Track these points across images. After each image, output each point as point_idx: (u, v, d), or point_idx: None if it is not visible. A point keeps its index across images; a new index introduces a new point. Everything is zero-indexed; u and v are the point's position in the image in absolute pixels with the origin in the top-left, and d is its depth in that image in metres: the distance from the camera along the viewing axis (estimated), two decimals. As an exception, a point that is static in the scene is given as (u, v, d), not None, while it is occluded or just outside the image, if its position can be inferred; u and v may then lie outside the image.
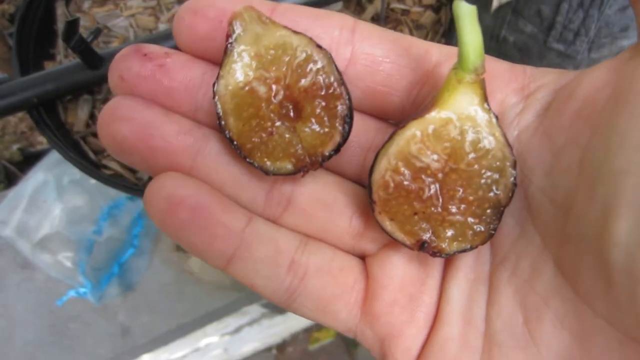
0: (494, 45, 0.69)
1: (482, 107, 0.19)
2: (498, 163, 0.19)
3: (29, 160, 1.13)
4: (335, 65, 0.19)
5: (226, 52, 0.19)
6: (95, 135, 0.45)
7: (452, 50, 0.21)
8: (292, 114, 0.20)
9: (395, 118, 0.22)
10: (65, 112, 0.46)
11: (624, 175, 0.15)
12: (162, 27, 0.48)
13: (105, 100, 0.46)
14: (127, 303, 0.78)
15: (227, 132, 0.19)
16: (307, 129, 0.20)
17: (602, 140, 0.16)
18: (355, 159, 0.22)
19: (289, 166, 0.20)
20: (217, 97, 0.19)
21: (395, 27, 0.44)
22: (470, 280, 0.20)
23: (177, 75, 0.20)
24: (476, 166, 0.19)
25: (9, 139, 1.13)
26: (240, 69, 0.19)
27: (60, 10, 0.50)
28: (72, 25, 0.36)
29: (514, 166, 0.19)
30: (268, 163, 0.20)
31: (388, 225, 0.20)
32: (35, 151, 1.13)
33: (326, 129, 0.20)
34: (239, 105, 0.19)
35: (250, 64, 0.19)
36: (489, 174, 0.19)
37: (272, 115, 0.20)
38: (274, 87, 0.19)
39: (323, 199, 0.21)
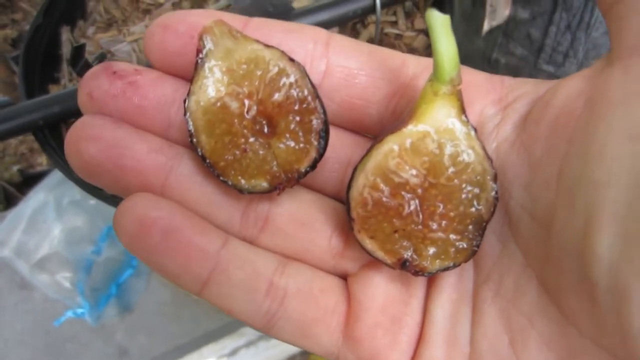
0: (486, 68, 0.71)
1: (459, 119, 0.19)
2: (478, 177, 0.19)
3: (28, 181, 1.13)
4: (309, 79, 0.19)
5: (197, 67, 0.19)
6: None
7: (429, 61, 0.20)
8: (266, 129, 0.19)
9: (373, 132, 0.22)
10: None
11: (603, 188, 0.15)
12: (164, 51, 0.49)
13: (107, 122, 0.47)
14: (124, 324, 0.78)
15: (199, 149, 0.19)
16: (281, 145, 0.19)
17: (579, 151, 0.16)
18: (333, 174, 0.21)
19: (264, 184, 0.19)
20: (188, 114, 0.19)
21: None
22: (454, 300, 0.20)
23: (148, 92, 0.20)
24: (456, 181, 0.19)
25: (9, 160, 1.14)
26: (212, 85, 0.19)
27: (65, 36, 0.52)
28: (79, 50, 0.37)
29: (495, 179, 0.19)
30: (242, 181, 0.19)
31: (368, 243, 0.19)
32: (34, 172, 1.14)
33: (301, 145, 0.19)
34: (211, 121, 0.19)
35: (222, 79, 0.19)
36: (469, 188, 0.19)
37: (245, 131, 0.19)
38: (246, 102, 0.19)
39: (301, 218, 0.21)
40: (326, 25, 0.41)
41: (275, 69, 0.19)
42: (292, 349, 1.04)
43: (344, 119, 0.21)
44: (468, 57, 0.62)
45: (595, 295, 0.15)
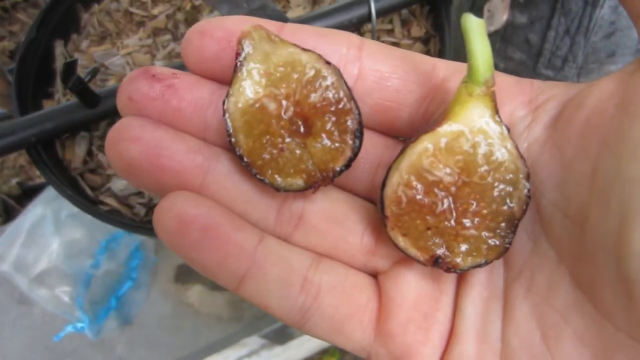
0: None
1: (493, 119, 0.19)
2: (511, 175, 0.19)
3: (27, 194, 1.13)
4: (344, 81, 0.19)
5: (236, 70, 0.19)
6: (92, 171, 0.45)
7: (459, 65, 0.21)
8: (302, 130, 0.20)
9: (403, 134, 0.22)
10: (63, 149, 0.46)
11: (638, 184, 0.15)
12: (158, 64, 0.49)
13: (102, 137, 0.47)
14: (124, 337, 0.77)
15: (237, 149, 0.19)
16: (317, 145, 0.20)
17: (613, 150, 0.16)
18: (364, 175, 0.22)
19: (300, 182, 0.20)
20: (227, 115, 0.19)
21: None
22: (485, 297, 0.20)
23: (186, 95, 0.20)
24: (489, 179, 0.19)
25: (7, 173, 1.14)
26: (250, 87, 0.19)
27: (58, 50, 0.51)
28: (70, 66, 0.37)
29: (527, 178, 0.19)
30: (279, 180, 0.20)
31: (401, 241, 0.20)
32: (33, 185, 1.13)
33: (337, 144, 0.20)
34: (249, 122, 0.19)
35: (260, 82, 0.19)
36: (502, 186, 0.19)
37: (282, 131, 0.20)
38: (284, 103, 0.20)
39: (334, 216, 0.21)
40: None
41: (312, 72, 0.19)
42: (295, 358, 1.03)
43: (376, 121, 0.21)
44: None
45: (631, 289, 0.15)
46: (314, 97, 0.20)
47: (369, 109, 0.21)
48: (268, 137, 0.19)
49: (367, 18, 0.41)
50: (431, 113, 0.21)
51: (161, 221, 0.19)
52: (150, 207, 0.43)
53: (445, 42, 0.44)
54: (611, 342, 0.17)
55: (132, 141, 0.19)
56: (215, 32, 0.20)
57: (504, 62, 0.67)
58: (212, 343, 0.79)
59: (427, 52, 0.46)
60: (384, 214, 0.19)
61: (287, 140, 0.20)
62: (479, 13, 0.64)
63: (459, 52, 0.59)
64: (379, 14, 0.41)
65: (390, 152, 0.22)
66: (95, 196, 0.44)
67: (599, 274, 0.16)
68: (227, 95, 0.19)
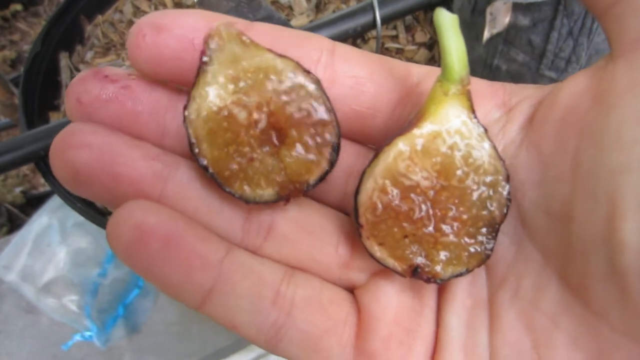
0: (487, 74, 0.70)
1: (470, 119, 0.18)
2: (491, 177, 0.18)
3: (32, 202, 1.14)
4: (324, 91, 0.18)
5: (199, 72, 0.18)
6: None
7: (432, 69, 0.20)
8: (275, 139, 0.19)
9: (376, 142, 0.21)
10: (70, 161, 0.46)
11: (624, 173, 0.15)
12: (163, 74, 0.49)
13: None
14: (133, 344, 0.77)
15: (201, 159, 0.18)
16: (291, 156, 0.19)
17: (593, 142, 0.16)
18: (336, 185, 0.21)
19: (271, 194, 0.19)
20: (187, 122, 0.18)
21: (390, 65, 0.45)
22: (468, 307, 0.19)
23: (142, 97, 0.19)
24: (468, 182, 0.18)
25: (11, 182, 1.14)
26: (215, 92, 0.18)
27: (63, 62, 0.51)
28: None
29: (507, 180, 0.18)
30: (248, 191, 0.18)
31: (377, 250, 0.19)
32: (38, 194, 1.14)
33: (313, 156, 0.19)
34: (214, 130, 0.18)
35: (227, 87, 0.18)
36: (482, 189, 0.18)
37: (252, 140, 0.18)
38: (255, 113, 0.18)
39: (307, 226, 0.20)
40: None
41: (290, 81, 0.18)
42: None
43: (348, 128, 0.21)
44: (469, 64, 0.61)
45: (625, 283, 0.15)
46: (290, 108, 0.18)
47: (342, 115, 0.20)
48: (236, 146, 0.18)
49: (372, 25, 0.41)
50: (404, 118, 0.20)
51: (116, 232, 0.17)
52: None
53: (450, 48, 0.45)
54: (607, 344, 0.16)
55: (81, 148, 0.17)
56: (176, 28, 0.18)
57: (506, 64, 0.67)
58: (221, 349, 0.79)
59: (432, 58, 0.46)
60: (359, 222, 0.18)
61: (258, 150, 0.18)
62: (480, 16, 0.65)
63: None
64: (384, 21, 0.41)
65: (362, 160, 0.21)
66: (104, 207, 0.44)
67: (589, 271, 0.16)
68: (188, 100, 0.18)
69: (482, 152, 0.18)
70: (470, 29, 0.69)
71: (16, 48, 1.36)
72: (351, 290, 0.21)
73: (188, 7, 0.53)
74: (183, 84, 0.19)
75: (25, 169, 1.17)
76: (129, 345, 0.77)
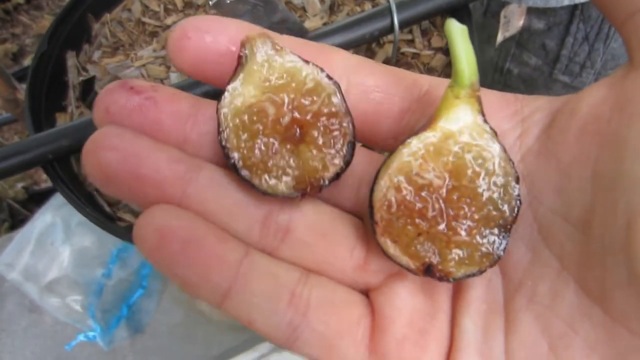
0: (498, 78, 0.69)
1: (480, 121, 0.19)
2: (501, 178, 0.19)
3: (33, 198, 1.13)
4: (342, 95, 0.20)
5: (236, 72, 0.19)
6: (108, 187, 0.45)
7: (440, 80, 0.21)
8: (296, 137, 0.20)
9: (385, 148, 0.22)
10: (78, 164, 0.45)
11: None
12: (173, 76, 0.48)
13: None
14: (136, 346, 0.77)
15: (226, 148, 0.19)
16: (309, 153, 0.20)
17: (614, 151, 0.16)
18: (349, 190, 0.22)
19: (287, 188, 0.19)
20: (219, 111, 0.19)
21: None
22: (484, 311, 0.19)
23: (165, 107, 0.20)
24: (479, 182, 0.19)
25: (13, 177, 1.14)
26: (247, 88, 0.19)
27: (71, 62, 0.50)
28: (89, 84, 0.36)
29: (517, 181, 0.19)
30: (266, 182, 0.19)
31: (391, 247, 0.19)
32: (40, 189, 1.13)
33: (329, 154, 0.20)
34: (242, 121, 0.19)
35: (259, 86, 0.19)
36: (492, 189, 0.19)
37: (275, 135, 0.19)
38: (280, 109, 0.20)
39: (322, 229, 0.21)
40: (341, 47, 0.40)
41: (312, 83, 0.20)
42: (304, 360, 1.03)
43: (359, 135, 0.21)
44: (479, 67, 0.60)
45: None
46: (311, 108, 0.20)
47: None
48: (260, 139, 0.19)
49: (389, 30, 0.40)
50: (412, 125, 0.21)
51: (141, 236, 0.18)
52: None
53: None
54: (626, 348, 0.16)
55: (110, 150, 0.18)
56: (218, 33, 0.20)
57: (518, 67, 0.66)
58: (225, 351, 0.78)
59: (449, 64, 0.45)
60: (374, 220, 0.19)
61: (279, 144, 0.20)
62: (493, 18, 0.64)
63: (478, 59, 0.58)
64: (402, 25, 0.40)
65: (373, 165, 0.21)
66: (112, 212, 0.43)
67: (609, 278, 0.16)
68: (224, 94, 0.19)
69: (493, 154, 0.19)
70: (482, 31, 0.68)
71: (18, 41, 1.35)
72: (365, 293, 0.21)
73: (199, 6, 0.52)
74: (218, 85, 0.20)
75: (27, 164, 1.16)
76: (132, 346, 0.76)
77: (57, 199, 0.80)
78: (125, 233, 0.40)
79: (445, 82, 0.20)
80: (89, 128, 0.41)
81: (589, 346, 0.17)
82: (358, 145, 0.21)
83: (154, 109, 0.20)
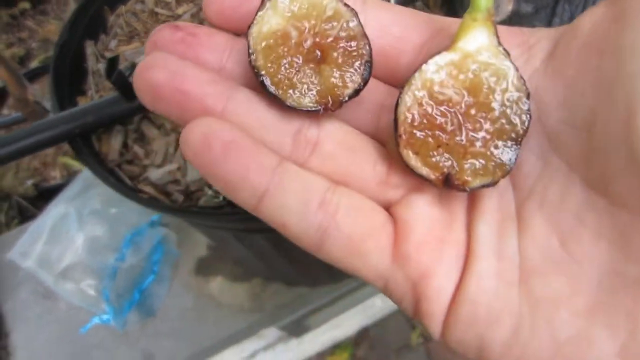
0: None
1: (496, 43, 0.21)
2: (514, 94, 0.20)
3: (43, 195, 1.15)
4: (359, 21, 0.22)
5: (261, 5, 0.22)
6: (129, 162, 0.48)
7: (452, 19, 0.23)
8: (317, 58, 0.22)
9: (402, 83, 0.23)
10: (99, 142, 0.49)
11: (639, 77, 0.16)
12: (186, 60, 0.51)
13: (136, 130, 0.49)
14: (148, 329, 0.79)
15: (255, 66, 0.21)
16: (330, 72, 0.22)
17: (613, 55, 0.17)
18: (369, 116, 0.23)
19: (310, 102, 0.22)
20: (249, 36, 0.22)
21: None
22: (498, 220, 0.21)
23: (204, 39, 0.22)
24: (493, 98, 0.21)
25: (23, 174, 1.16)
26: (273, 18, 0.22)
27: (89, 50, 0.54)
28: (113, 62, 0.39)
29: (528, 97, 0.20)
30: (290, 98, 0.21)
31: (412, 159, 0.21)
32: (49, 186, 1.16)
33: (348, 73, 0.22)
34: (269, 45, 0.22)
35: (282, 14, 0.22)
36: (506, 104, 0.20)
37: (299, 56, 0.22)
38: (303, 33, 0.22)
39: (348, 145, 0.22)
40: None
41: (331, 11, 0.22)
42: (309, 351, 1.05)
43: (377, 69, 0.23)
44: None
45: None
46: (331, 32, 0.22)
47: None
48: (285, 59, 0.22)
49: None
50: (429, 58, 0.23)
51: (187, 139, 0.20)
52: (187, 194, 0.45)
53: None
54: (627, 229, 0.17)
55: (158, 68, 0.21)
56: None
57: (510, 52, 0.69)
58: (234, 333, 0.81)
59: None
60: (398, 132, 0.21)
61: (303, 65, 0.22)
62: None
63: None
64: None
65: (392, 97, 0.23)
66: (134, 185, 0.46)
67: (610, 166, 0.17)
68: (252, 22, 0.22)
69: (506, 72, 0.20)
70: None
71: (24, 45, 1.38)
72: (387, 209, 0.23)
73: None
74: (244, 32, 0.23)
75: (36, 162, 1.18)
76: (144, 329, 0.78)
77: (70, 190, 0.83)
78: (148, 203, 0.44)
79: (458, 20, 0.21)
80: (112, 105, 0.44)
81: (596, 234, 0.18)
82: (375, 79, 0.23)
83: (195, 40, 0.22)
